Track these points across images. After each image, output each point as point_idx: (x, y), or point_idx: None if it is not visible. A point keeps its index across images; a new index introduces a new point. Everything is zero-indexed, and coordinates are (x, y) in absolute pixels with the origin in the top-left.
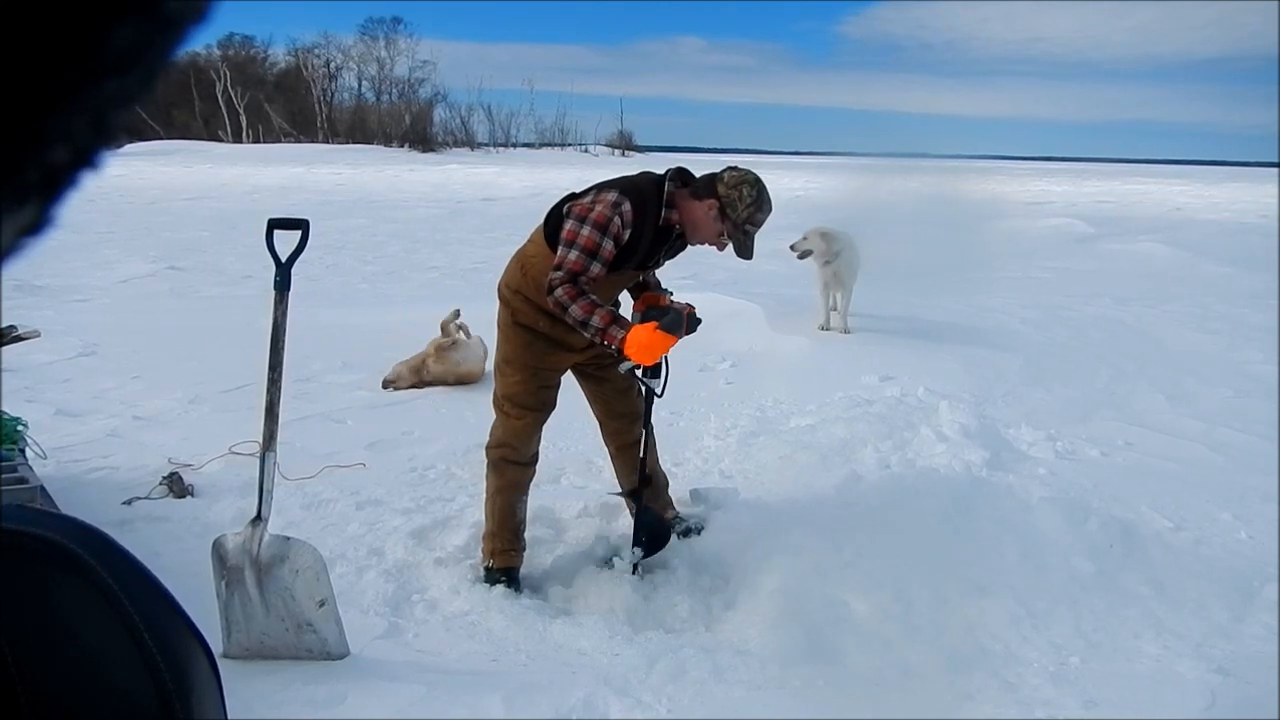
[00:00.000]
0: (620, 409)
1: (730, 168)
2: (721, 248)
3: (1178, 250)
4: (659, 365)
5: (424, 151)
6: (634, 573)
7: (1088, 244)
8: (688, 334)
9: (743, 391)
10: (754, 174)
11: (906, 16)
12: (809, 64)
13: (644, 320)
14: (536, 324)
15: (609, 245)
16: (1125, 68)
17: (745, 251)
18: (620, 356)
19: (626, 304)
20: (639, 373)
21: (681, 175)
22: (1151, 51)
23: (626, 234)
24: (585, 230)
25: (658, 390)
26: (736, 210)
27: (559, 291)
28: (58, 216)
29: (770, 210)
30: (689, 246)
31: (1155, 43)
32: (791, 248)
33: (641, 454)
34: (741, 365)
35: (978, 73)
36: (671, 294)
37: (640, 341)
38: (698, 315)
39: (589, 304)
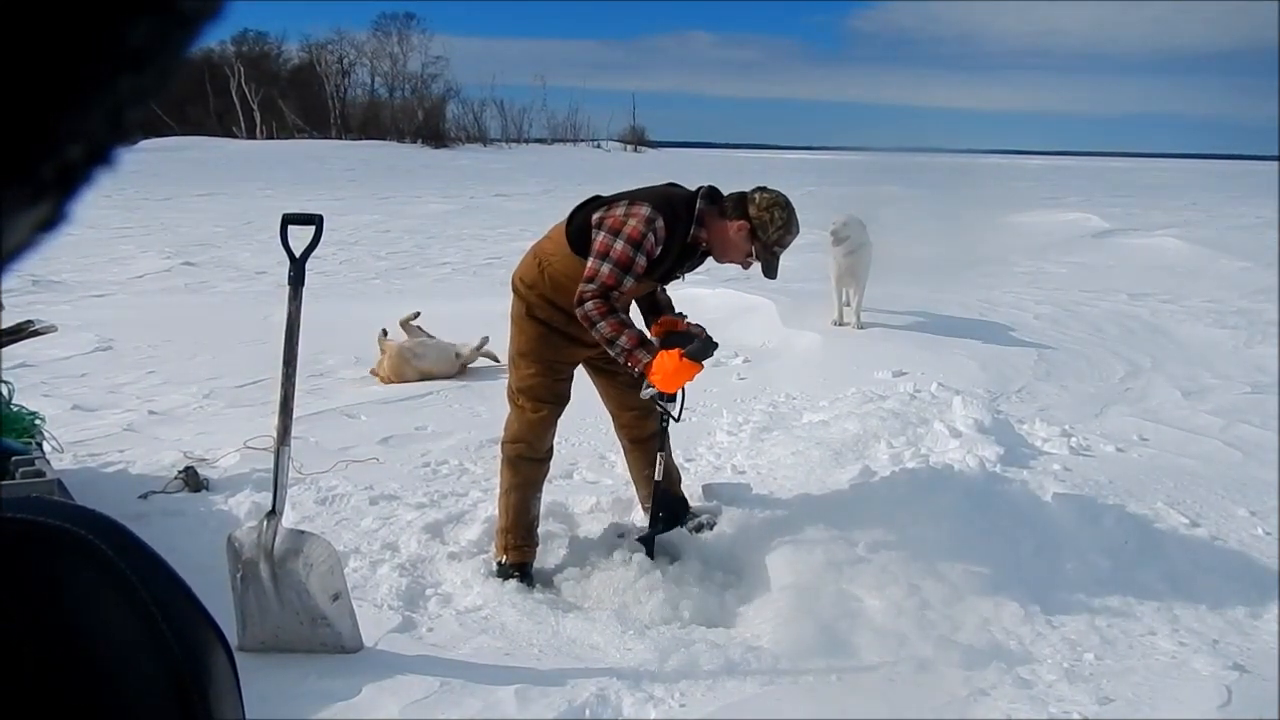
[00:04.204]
0: (633, 403)
1: (760, 188)
2: (747, 266)
3: (1194, 245)
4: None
5: (436, 147)
6: (647, 554)
7: (1103, 239)
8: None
9: (755, 387)
10: (784, 196)
11: (918, 10)
12: (820, 58)
13: (666, 346)
14: (551, 319)
15: (642, 261)
16: (1139, 61)
17: (771, 271)
18: (642, 380)
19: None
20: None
21: (711, 194)
22: (1166, 45)
23: (659, 250)
24: (619, 244)
25: (674, 414)
26: (767, 232)
27: (589, 305)
28: (73, 212)
29: (798, 232)
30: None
31: (1170, 36)
32: (833, 232)
33: (657, 477)
34: (754, 361)
35: (990, 67)
36: (685, 316)
37: (666, 369)
38: (714, 340)
39: (618, 322)
